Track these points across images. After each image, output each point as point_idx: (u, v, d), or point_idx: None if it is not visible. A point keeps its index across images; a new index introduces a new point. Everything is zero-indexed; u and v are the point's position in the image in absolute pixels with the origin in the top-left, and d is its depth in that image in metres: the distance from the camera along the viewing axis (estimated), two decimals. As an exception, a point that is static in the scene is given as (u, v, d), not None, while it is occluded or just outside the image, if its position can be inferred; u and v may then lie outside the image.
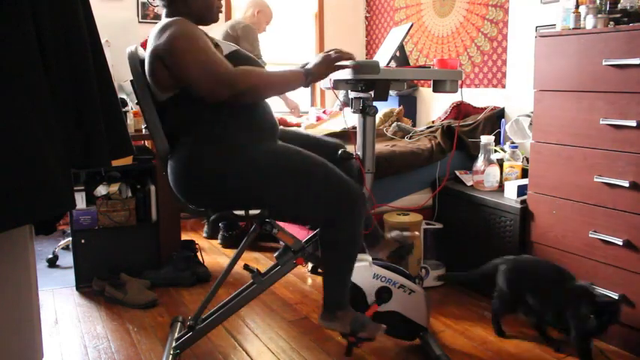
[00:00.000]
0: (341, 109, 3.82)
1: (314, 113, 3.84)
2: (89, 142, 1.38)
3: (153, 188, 2.78)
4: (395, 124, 3.27)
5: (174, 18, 1.69)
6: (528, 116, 2.86)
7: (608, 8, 2.06)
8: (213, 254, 3.19)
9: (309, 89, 4.62)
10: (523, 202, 2.39)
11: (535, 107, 2.29)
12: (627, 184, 1.96)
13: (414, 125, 3.66)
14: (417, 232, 2.57)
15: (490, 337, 2.19)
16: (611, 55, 1.98)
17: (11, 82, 1.20)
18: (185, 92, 1.66)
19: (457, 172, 2.87)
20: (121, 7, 3.73)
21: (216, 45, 1.70)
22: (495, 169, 2.65)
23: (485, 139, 2.70)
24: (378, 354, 2.05)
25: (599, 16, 2.05)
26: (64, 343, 2.15)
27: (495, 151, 2.80)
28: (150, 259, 2.79)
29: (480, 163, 2.67)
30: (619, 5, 2.05)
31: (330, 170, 1.73)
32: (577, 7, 2.15)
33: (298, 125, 3.60)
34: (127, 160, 2.65)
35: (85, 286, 2.67)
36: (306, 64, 1.75)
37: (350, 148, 2.01)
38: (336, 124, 3.36)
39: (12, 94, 1.20)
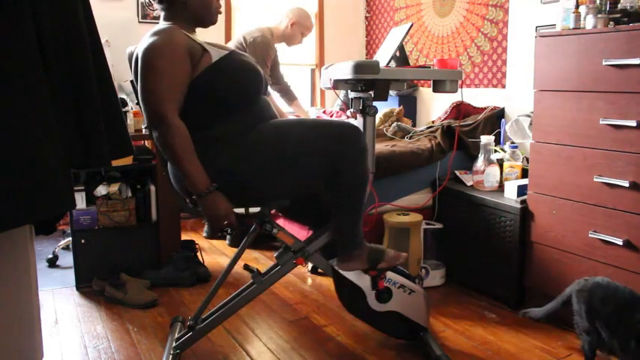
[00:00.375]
0: (342, 109, 3.83)
1: (314, 113, 3.84)
2: (89, 142, 1.38)
3: (153, 188, 2.78)
4: (395, 124, 3.27)
5: (166, 26, 1.70)
6: (528, 116, 2.86)
7: (608, 8, 2.06)
8: (213, 254, 3.19)
9: (309, 89, 4.62)
10: (523, 202, 2.39)
11: (535, 107, 2.29)
12: (627, 184, 1.96)
13: (414, 125, 3.66)
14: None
15: (490, 337, 2.19)
16: (611, 55, 1.98)
17: (11, 82, 1.20)
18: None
19: (457, 172, 2.87)
20: (121, 7, 3.73)
21: (205, 50, 1.69)
22: (495, 169, 2.65)
23: (485, 139, 2.70)
24: (378, 354, 2.05)
25: (599, 16, 2.05)
26: (64, 343, 2.15)
27: (495, 151, 2.80)
28: (150, 259, 2.79)
29: (479, 163, 2.67)
30: (619, 5, 2.05)
31: (319, 121, 1.75)
32: (577, 7, 2.15)
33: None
34: (127, 160, 2.65)
35: (85, 286, 2.67)
36: (215, 186, 1.64)
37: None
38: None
39: (12, 94, 1.20)
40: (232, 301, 1.90)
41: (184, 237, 3.03)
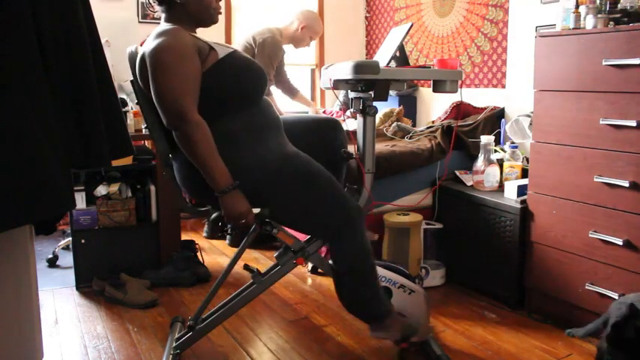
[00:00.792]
0: (342, 110, 3.82)
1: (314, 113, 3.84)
2: (89, 142, 1.38)
3: (153, 188, 2.78)
4: (395, 124, 3.27)
5: (171, 27, 1.70)
6: (528, 116, 2.86)
7: (608, 8, 2.06)
8: (213, 254, 3.19)
9: (309, 89, 4.62)
10: (523, 202, 2.39)
11: (535, 107, 2.29)
12: (627, 184, 1.96)
13: (414, 125, 3.66)
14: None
15: (490, 337, 2.19)
16: (611, 55, 1.98)
17: (11, 82, 1.20)
18: None
19: (457, 172, 2.87)
20: (121, 7, 3.72)
21: (211, 48, 1.70)
22: (495, 169, 2.65)
23: (485, 139, 2.70)
24: (378, 354, 2.05)
25: (599, 16, 2.05)
26: (64, 343, 2.15)
27: (495, 151, 2.80)
28: (150, 259, 2.79)
29: (479, 163, 2.67)
30: (619, 5, 2.05)
31: (333, 184, 1.75)
32: (577, 7, 2.15)
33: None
34: (127, 160, 2.65)
35: (85, 286, 2.67)
36: (237, 183, 1.65)
37: (350, 148, 2.01)
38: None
39: (12, 94, 1.20)
40: (232, 301, 1.90)
41: (184, 237, 3.03)
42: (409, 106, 3.96)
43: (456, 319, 2.34)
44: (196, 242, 2.90)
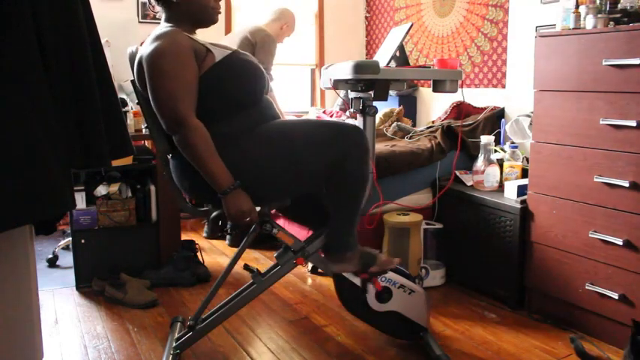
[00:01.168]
0: (342, 110, 3.82)
1: (314, 113, 3.84)
2: (89, 142, 1.38)
3: (153, 188, 2.78)
4: (395, 124, 3.27)
5: (169, 29, 1.69)
6: (528, 116, 2.86)
7: (608, 8, 2.06)
8: (213, 254, 3.19)
9: (309, 89, 4.62)
10: (523, 202, 2.39)
11: (535, 107, 2.29)
12: (627, 184, 1.96)
13: (414, 125, 3.66)
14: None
15: (490, 337, 2.19)
16: (611, 55, 1.98)
17: (11, 82, 1.20)
18: None
19: (457, 172, 2.87)
20: (121, 7, 3.73)
21: (209, 50, 1.69)
22: (495, 169, 2.65)
23: (485, 139, 2.70)
24: (378, 354, 2.05)
25: (599, 16, 2.05)
26: (64, 343, 2.15)
27: (495, 151, 2.80)
28: (150, 259, 2.79)
29: (479, 163, 2.67)
30: (619, 5, 2.05)
31: (323, 121, 1.74)
32: (577, 7, 2.15)
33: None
34: (127, 160, 2.65)
35: (85, 286, 2.67)
36: (239, 183, 1.65)
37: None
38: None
39: (12, 94, 1.20)
40: (232, 301, 1.90)
41: (184, 237, 3.03)
42: (409, 106, 3.96)
43: (456, 319, 2.34)
44: (196, 242, 2.90)
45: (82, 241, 2.66)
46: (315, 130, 1.73)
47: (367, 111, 1.95)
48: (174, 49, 1.62)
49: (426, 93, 4.02)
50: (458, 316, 2.37)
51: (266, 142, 1.70)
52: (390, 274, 1.97)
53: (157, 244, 2.80)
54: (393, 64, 2.08)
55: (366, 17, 4.63)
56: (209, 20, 1.79)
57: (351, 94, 2.07)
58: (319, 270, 2.84)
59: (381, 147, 2.84)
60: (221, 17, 4.10)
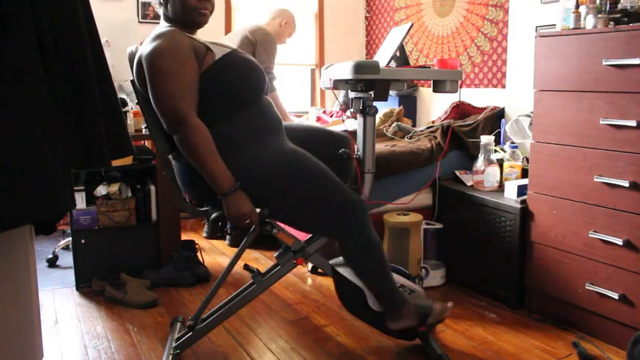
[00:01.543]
0: (342, 110, 3.82)
1: (314, 113, 3.84)
2: (89, 142, 1.38)
3: (153, 188, 2.78)
4: (395, 124, 3.27)
5: (168, 28, 1.69)
6: (528, 116, 2.86)
7: (608, 8, 2.06)
8: (213, 254, 3.19)
9: (309, 89, 4.62)
10: (523, 202, 2.39)
11: (535, 107, 2.29)
12: (627, 184, 1.96)
13: (414, 125, 3.66)
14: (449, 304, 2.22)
15: (490, 337, 2.19)
16: (611, 55, 1.98)
17: (11, 82, 1.20)
18: None
19: (457, 172, 2.87)
20: (121, 7, 3.73)
21: (208, 49, 1.69)
22: (495, 169, 2.65)
23: (485, 139, 2.70)
24: (378, 354, 2.05)
25: (599, 16, 2.05)
26: (64, 343, 2.15)
27: (495, 151, 2.80)
28: (150, 259, 2.79)
29: (479, 163, 2.67)
30: (619, 5, 2.05)
31: (332, 180, 1.74)
32: (577, 7, 2.15)
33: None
34: (127, 160, 2.65)
35: (85, 286, 2.67)
36: (239, 184, 1.65)
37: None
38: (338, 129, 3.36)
39: (12, 94, 1.20)
40: (232, 301, 1.90)
41: (184, 237, 3.03)
42: (409, 106, 3.96)
43: (456, 319, 2.34)
44: (196, 242, 2.90)
45: (82, 241, 2.66)
46: (323, 191, 1.71)
47: (367, 111, 1.95)
48: (173, 48, 1.62)
49: (426, 93, 4.02)
50: (458, 316, 2.37)
51: (281, 161, 1.70)
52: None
53: (157, 244, 2.80)
54: (393, 64, 2.07)
55: (366, 17, 4.62)
56: (196, 22, 1.75)
57: (351, 94, 2.07)
58: (319, 270, 2.84)
59: (381, 147, 2.84)
60: (221, 17, 4.12)
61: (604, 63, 2.00)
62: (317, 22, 4.50)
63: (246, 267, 1.89)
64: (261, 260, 3.09)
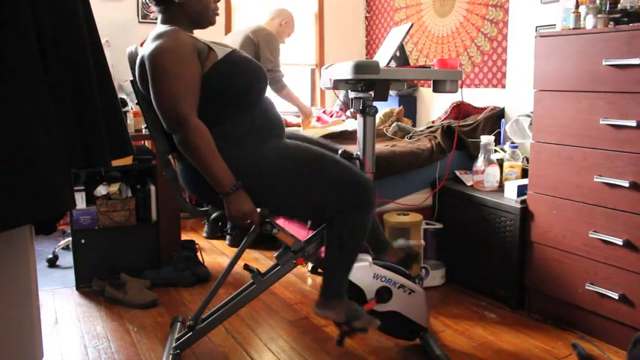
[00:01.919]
0: (342, 110, 3.82)
1: (314, 113, 3.83)
2: (89, 143, 1.38)
3: (153, 188, 2.78)
4: (395, 124, 3.27)
5: (169, 28, 1.68)
6: (528, 116, 2.86)
7: (608, 8, 2.06)
8: (213, 254, 3.19)
9: (309, 89, 4.62)
10: (523, 202, 2.39)
11: (535, 107, 2.29)
12: (627, 184, 1.96)
13: (414, 125, 3.66)
14: (422, 241, 2.57)
15: (490, 337, 2.19)
16: (611, 55, 1.98)
17: (11, 82, 1.20)
18: None
19: (457, 172, 2.87)
20: (121, 7, 3.73)
21: (210, 49, 1.69)
22: (495, 169, 2.65)
23: (485, 139, 2.70)
24: (378, 354, 2.05)
25: (599, 16, 2.05)
26: (64, 343, 2.15)
27: (495, 151, 2.80)
28: (150, 259, 2.79)
29: (479, 163, 2.67)
30: (619, 5, 2.05)
31: (341, 161, 1.75)
32: (577, 7, 2.15)
33: (298, 125, 3.60)
34: (127, 160, 2.65)
35: (85, 286, 2.67)
36: (240, 184, 1.64)
37: (350, 149, 2.01)
38: (339, 129, 3.36)
39: (12, 94, 1.20)
40: (232, 301, 1.90)
41: (184, 237, 3.03)
42: (409, 106, 3.96)
43: (456, 319, 2.34)
44: (196, 242, 2.90)
45: (82, 241, 2.66)
46: (336, 171, 1.73)
47: (367, 111, 1.95)
48: (176, 48, 1.61)
49: (426, 93, 4.02)
50: (458, 316, 2.37)
51: (284, 155, 1.71)
52: (390, 274, 1.97)
53: (157, 244, 2.80)
54: (393, 64, 2.07)
55: (366, 17, 4.62)
56: (207, 22, 1.78)
57: (351, 94, 2.07)
58: (319, 270, 2.84)
59: (381, 147, 2.84)
60: (221, 17, 4.11)
61: (604, 63, 2.00)
62: (317, 22, 4.50)
63: (246, 267, 1.89)
64: (261, 260, 3.09)
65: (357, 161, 1.95)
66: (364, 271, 1.94)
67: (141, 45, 1.76)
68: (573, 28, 2.15)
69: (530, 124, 2.67)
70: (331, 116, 3.73)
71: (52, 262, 3.02)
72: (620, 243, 1.99)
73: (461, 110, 3.30)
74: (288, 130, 2.00)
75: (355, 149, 2.03)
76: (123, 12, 3.72)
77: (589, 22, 2.08)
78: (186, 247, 2.83)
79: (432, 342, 2.01)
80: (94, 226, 2.68)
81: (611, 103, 2.00)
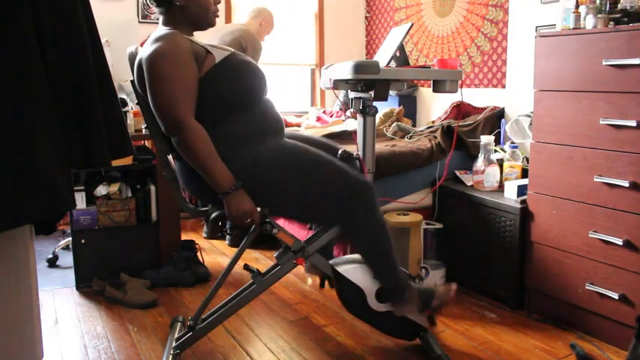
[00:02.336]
0: (342, 110, 3.82)
1: (314, 113, 3.84)
2: (89, 143, 1.38)
3: (153, 188, 2.78)
4: (395, 124, 3.27)
5: (168, 31, 1.69)
6: (528, 116, 2.86)
7: (608, 8, 2.06)
8: (213, 254, 3.19)
9: (309, 89, 4.62)
10: (523, 202, 2.39)
11: (535, 107, 2.29)
12: (627, 184, 1.96)
13: (414, 125, 3.66)
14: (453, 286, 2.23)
15: (490, 337, 2.19)
16: (611, 55, 1.98)
17: (11, 83, 1.20)
18: None
19: (457, 172, 2.87)
20: (121, 7, 3.73)
21: (208, 52, 1.69)
22: (495, 169, 2.65)
23: (485, 139, 2.70)
24: (378, 354, 2.05)
25: (599, 16, 2.05)
26: (64, 343, 2.15)
27: (495, 151, 2.80)
28: (150, 259, 2.79)
29: (479, 163, 2.67)
30: (619, 5, 2.05)
31: (338, 166, 1.75)
32: (577, 7, 2.15)
33: (298, 125, 3.60)
34: (127, 160, 2.65)
35: (85, 286, 2.67)
36: (240, 184, 1.65)
37: (350, 149, 2.01)
38: (338, 128, 3.36)
39: (12, 95, 1.20)
40: (232, 301, 1.90)
41: (184, 237, 3.03)
42: (409, 106, 3.96)
43: (456, 319, 2.34)
44: (196, 242, 2.90)
45: (82, 241, 2.66)
46: (332, 175, 1.73)
47: (367, 111, 1.95)
48: (173, 52, 1.62)
49: (426, 93, 4.02)
50: (458, 316, 2.37)
51: (283, 155, 1.71)
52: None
53: (157, 244, 2.80)
54: (393, 64, 2.08)
55: (366, 17, 4.62)
56: (208, 23, 1.80)
57: (351, 94, 2.07)
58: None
59: (381, 147, 2.84)
60: (221, 17, 4.11)
61: (604, 63, 2.00)
62: (317, 22, 4.50)
63: (246, 267, 1.89)
64: (261, 260, 3.09)
65: (357, 161, 1.95)
66: (364, 272, 1.94)
67: (141, 45, 1.77)
68: (573, 28, 2.15)
69: (530, 124, 2.67)
70: (331, 116, 3.73)
71: (52, 262, 3.02)
72: (620, 243, 1.99)
73: (461, 110, 3.30)
74: (288, 130, 2.00)
75: (355, 149, 2.03)
76: (123, 12, 3.72)
77: (589, 22, 2.08)
78: (186, 247, 2.83)
79: (432, 342, 2.01)
80: (94, 226, 2.68)
81: (611, 103, 2.00)
